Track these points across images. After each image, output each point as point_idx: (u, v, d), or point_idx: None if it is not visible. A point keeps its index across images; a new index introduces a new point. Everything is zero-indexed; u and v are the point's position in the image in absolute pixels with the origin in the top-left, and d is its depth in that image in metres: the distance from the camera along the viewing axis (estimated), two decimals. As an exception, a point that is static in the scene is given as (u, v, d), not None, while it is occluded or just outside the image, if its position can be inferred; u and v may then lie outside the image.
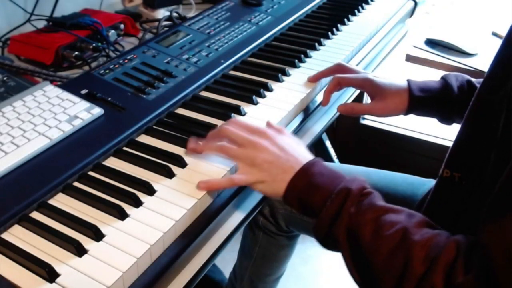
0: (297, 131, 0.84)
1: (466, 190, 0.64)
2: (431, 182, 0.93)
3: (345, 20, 1.14)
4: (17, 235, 0.57)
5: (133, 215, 0.60)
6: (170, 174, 0.66)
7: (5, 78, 0.84)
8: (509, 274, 0.45)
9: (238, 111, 0.80)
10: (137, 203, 0.61)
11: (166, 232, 0.57)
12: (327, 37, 1.07)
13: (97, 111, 0.74)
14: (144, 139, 0.74)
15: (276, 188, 0.64)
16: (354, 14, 1.18)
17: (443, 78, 0.86)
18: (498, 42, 0.64)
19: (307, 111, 0.88)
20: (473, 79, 0.85)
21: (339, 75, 0.87)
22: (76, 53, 0.99)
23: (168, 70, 0.87)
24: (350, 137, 1.87)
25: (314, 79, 0.89)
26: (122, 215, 0.59)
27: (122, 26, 1.12)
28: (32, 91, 0.77)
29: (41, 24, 1.08)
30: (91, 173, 0.67)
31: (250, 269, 1.17)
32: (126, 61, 0.88)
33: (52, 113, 0.73)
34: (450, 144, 0.68)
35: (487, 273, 0.47)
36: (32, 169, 0.64)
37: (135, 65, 0.87)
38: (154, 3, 1.24)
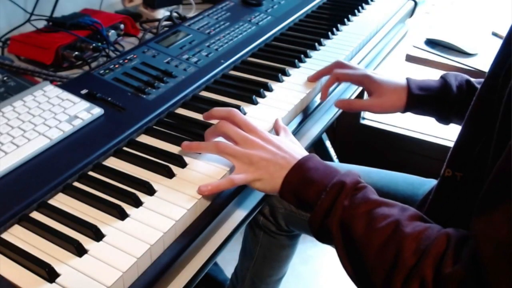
0: (297, 131, 0.84)
1: (467, 189, 0.65)
2: (431, 182, 0.93)
3: (345, 20, 1.14)
4: (17, 235, 0.57)
5: (133, 215, 0.60)
6: (170, 174, 0.66)
7: (5, 78, 0.84)
8: (497, 266, 0.45)
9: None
10: (137, 203, 0.61)
11: (166, 232, 0.57)
12: (327, 37, 1.07)
13: (97, 111, 0.74)
14: (144, 139, 0.74)
15: (274, 185, 0.64)
16: (354, 14, 1.18)
17: (442, 77, 0.86)
18: (498, 42, 0.64)
19: (307, 111, 0.88)
20: (472, 79, 0.85)
21: (337, 70, 0.87)
22: (76, 53, 0.99)
23: (168, 70, 0.87)
24: (350, 137, 1.87)
25: (314, 79, 0.89)
26: (122, 215, 0.59)
27: (122, 26, 1.12)
28: (32, 91, 0.77)
29: (41, 24, 1.08)
30: (91, 173, 0.67)
31: (251, 270, 1.17)
32: (126, 61, 0.88)
33: (52, 113, 0.73)
34: (450, 144, 0.69)
35: (476, 264, 0.47)
36: (32, 169, 0.64)
37: (135, 65, 0.87)
38: (154, 3, 1.24)
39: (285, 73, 0.92)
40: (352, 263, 0.58)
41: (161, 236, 0.56)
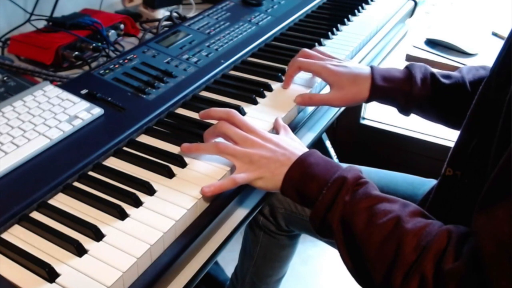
0: (297, 131, 0.84)
1: (468, 188, 0.65)
2: (431, 182, 0.93)
3: (345, 20, 1.14)
4: (17, 235, 0.57)
5: (133, 215, 0.60)
6: (170, 174, 0.66)
7: (5, 78, 0.84)
8: (499, 262, 0.45)
9: (238, 111, 0.79)
10: (137, 203, 0.61)
11: (166, 232, 0.57)
12: (327, 37, 1.06)
13: (97, 111, 0.74)
14: (144, 139, 0.74)
15: (276, 182, 0.64)
16: (354, 14, 1.18)
17: (407, 68, 0.84)
18: (498, 42, 0.64)
19: (307, 111, 0.87)
20: (437, 72, 0.83)
21: (299, 59, 0.84)
22: (76, 53, 0.99)
23: (168, 70, 0.87)
24: (350, 137, 1.87)
25: (287, 83, 0.87)
26: (122, 215, 0.59)
27: (122, 26, 1.12)
28: (32, 91, 0.77)
29: (41, 24, 1.08)
30: (91, 173, 0.67)
31: (251, 270, 1.17)
32: (126, 61, 0.88)
33: (52, 113, 0.73)
34: (450, 144, 0.69)
35: (476, 260, 0.47)
36: (32, 169, 0.64)
37: (135, 65, 0.87)
38: (154, 3, 1.24)
39: (285, 73, 0.92)
40: (352, 258, 0.58)
41: (161, 236, 0.56)
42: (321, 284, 1.57)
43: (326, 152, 1.66)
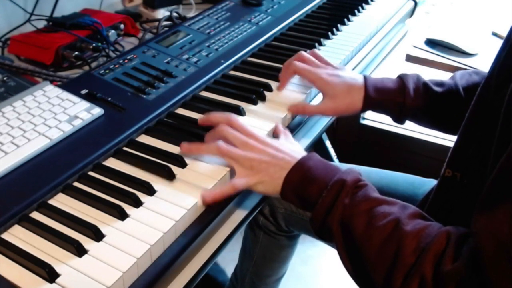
0: (297, 131, 0.84)
1: (468, 189, 0.65)
2: (431, 182, 0.93)
3: (345, 20, 1.14)
4: (17, 235, 0.57)
5: (133, 215, 0.60)
6: (170, 174, 0.66)
7: (5, 78, 0.84)
8: (498, 263, 0.45)
9: (238, 111, 0.79)
10: (137, 203, 0.61)
11: (166, 232, 0.57)
12: (327, 37, 1.06)
13: (97, 111, 0.74)
14: (144, 139, 0.74)
15: (275, 186, 0.64)
16: (354, 14, 1.18)
17: (400, 78, 0.84)
18: (498, 42, 0.64)
19: (307, 111, 0.87)
20: (429, 81, 0.83)
21: (295, 63, 0.83)
22: (76, 53, 0.99)
23: (168, 70, 0.87)
24: (350, 137, 1.87)
25: (282, 86, 0.87)
26: (122, 215, 0.59)
27: (122, 26, 1.12)
28: (32, 91, 0.77)
29: (41, 24, 1.08)
30: (91, 173, 0.67)
31: (251, 269, 1.17)
32: (126, 61, 0.88)
33: (52, 113, 0.73)
34: (450, 144, 0.69)
35: (476, 261, 0.47)
36: (32, 169, 0.64)
37: (135, 65, 0.87)
38: (154, 3, 1.24)
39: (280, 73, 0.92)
40: (352, 261, 0.58)
41: (161, 236, 0.56)
42: (321, 284, 1.57)
43: (326, 152, 1.66)
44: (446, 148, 1.60)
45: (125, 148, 0.71)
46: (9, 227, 0.58)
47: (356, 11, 1.19)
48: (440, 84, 0.83)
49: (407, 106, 0.81)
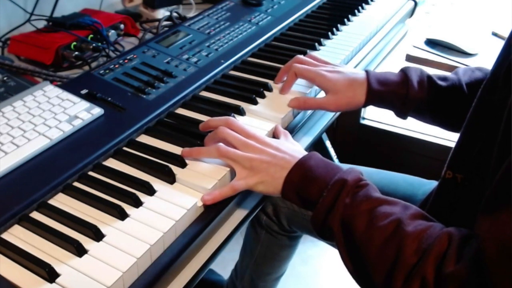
0: (297, 131, 0.84)
1: (468, 191, 0.64)
2: (431, 183, 0.93)
3: (345, 20, 1.14)
4: (17, 235, 0.57)
5: (133, 215, 0.60)
6: (170, 174, 0.66)
7: (5, 78, 0.84)
8: (501, 266, 0.45)
9: (238, 111, 0.79)
10: (137, 203, 0.61)
11: (166, 232, 0.57)
12: (327, 37, 1.06)
13: (97, 111, 0.74)
14: (144, 139, 0.74)
15: (276, 186, 0.64)
16: (354, 14, 1.18)
17: (403, 71, 0.83)
18: (498, 42, 0.64)
19: (307, 111, 0.87)
20: (433, 75, 0.83)
21: (295, 65, 0.83)
22: (76, 53, 0.99)
23: (168, 70, 0.87)
24: (350, 137, 1.87)
25: (278, 79, 0.87)
26: (122, 215, 0.59)
27: (122, 26, 1.12)
28: (32, 91, 0.77)
29: (41, 24, 1.08)
30: (91, 173, 0.67)
31: (251, 267, 1.17)
32: (126, 61, 0.88)
33: (52, 113, 0.73)
34: (451, 144, 0.69)
35: (478, 263, 0.47)
36: (32, 169, 0.64)
37: (135, 65, 0.87)
38: (154, 3, 1.24)
39: (278, 72, 0.91)
40: (353, 261, 0.58)
41: (161, 236, 0.56)
42: (321, 284, 1.57)
43: (326, 152, 1.66)
44: (446, 148, 1.60)
45: (125, 148, 0.71)
46: (9, 227, 0.58)
47: (356, 11, 1.19)
48: (443, 78, 0.83)
49: (410, 98, 0.80)
